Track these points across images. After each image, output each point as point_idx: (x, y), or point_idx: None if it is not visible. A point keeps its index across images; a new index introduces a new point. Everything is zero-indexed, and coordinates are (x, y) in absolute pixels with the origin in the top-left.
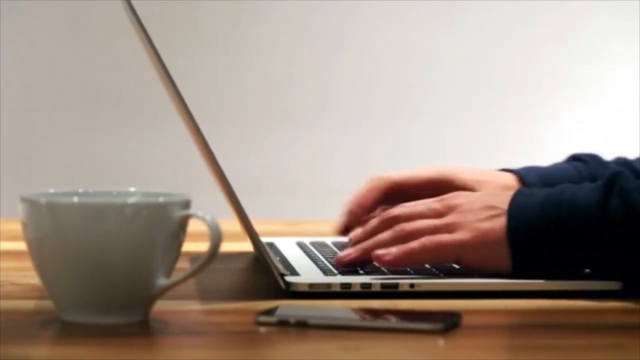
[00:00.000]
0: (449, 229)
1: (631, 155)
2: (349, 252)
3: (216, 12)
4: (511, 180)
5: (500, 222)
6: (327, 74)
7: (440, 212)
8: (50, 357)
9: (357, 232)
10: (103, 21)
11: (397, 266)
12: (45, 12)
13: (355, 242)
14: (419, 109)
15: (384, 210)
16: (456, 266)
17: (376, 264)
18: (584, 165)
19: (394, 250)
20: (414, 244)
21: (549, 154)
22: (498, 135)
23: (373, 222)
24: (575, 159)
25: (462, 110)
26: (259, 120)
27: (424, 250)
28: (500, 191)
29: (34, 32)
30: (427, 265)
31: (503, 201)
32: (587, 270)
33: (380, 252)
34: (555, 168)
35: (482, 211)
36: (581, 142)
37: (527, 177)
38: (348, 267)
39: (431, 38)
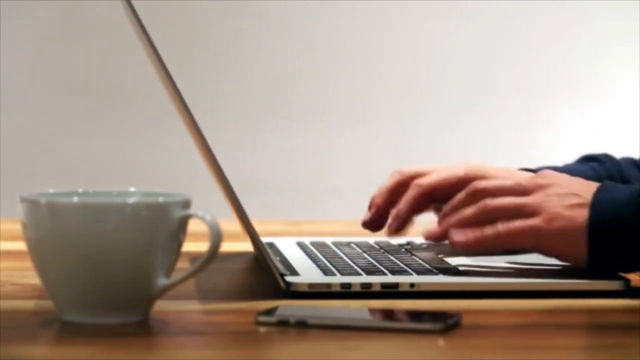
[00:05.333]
0: (531, 209)
1: (635, 155)
2: (436, 229)
3: (216, 11)
4: None
5: (582, 214)
6: (329, 73)
7: (528, 189)
8: (50, 357)
9: (445, 206)
10: (103, 21)
11: (471, 250)
12: (45, 12)
13: (442, 216)
14: (420, 108)
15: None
16: (452, 263)
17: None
18: (600, 165)
19: (469, 235)
20: (488, 231)
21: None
22: (499, 135)
23: (460, 195)
24: (589, 159)
25: (464, 109)
26: (259, 120)
27: (498, 237)
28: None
29: (34, 32)
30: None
31: (588, 191)
32: None
33: (456, 236)
34: (573, 168)
35: (568, 197)
36: (582, 143)
37: None
38: (437, 241)
39: (432, 38)
